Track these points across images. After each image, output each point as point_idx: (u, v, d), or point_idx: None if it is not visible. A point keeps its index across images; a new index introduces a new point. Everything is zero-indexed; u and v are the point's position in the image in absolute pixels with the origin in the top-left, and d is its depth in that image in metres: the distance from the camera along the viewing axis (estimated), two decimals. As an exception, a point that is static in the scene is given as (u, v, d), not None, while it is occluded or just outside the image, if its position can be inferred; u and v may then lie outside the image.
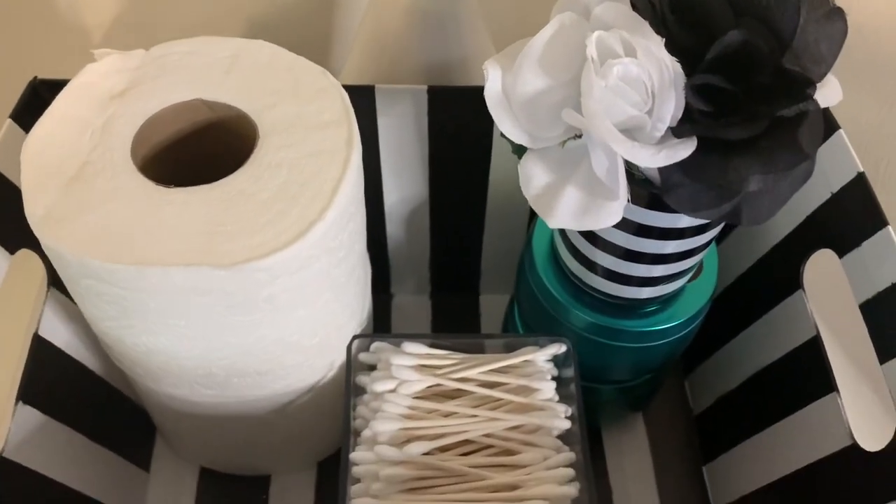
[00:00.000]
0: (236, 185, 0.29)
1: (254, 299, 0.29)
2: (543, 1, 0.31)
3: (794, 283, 0.40)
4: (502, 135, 0.29)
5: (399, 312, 0.52)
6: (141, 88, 0.32)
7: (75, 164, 0.29)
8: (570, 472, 0.34)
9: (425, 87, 0.39)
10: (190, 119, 0.32)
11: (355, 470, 0.34)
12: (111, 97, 0.31)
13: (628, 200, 0.29)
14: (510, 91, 0.28)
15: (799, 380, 0.39)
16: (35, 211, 0.28)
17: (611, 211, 0.28)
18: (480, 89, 0.39)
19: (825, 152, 0.39)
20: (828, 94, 0.28)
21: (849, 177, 0.38)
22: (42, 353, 0.37)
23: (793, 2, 0.25)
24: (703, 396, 0.48)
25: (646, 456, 0.47)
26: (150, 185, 0.29)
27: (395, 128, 0.41)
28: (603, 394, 0.42)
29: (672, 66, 0.26)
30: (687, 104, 0.27)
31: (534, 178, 0.29)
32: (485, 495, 0.33)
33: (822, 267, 0.39)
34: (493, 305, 0.52)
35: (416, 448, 0.34)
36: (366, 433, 0.35)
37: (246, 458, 0.42)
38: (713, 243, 0.39)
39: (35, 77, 0.38)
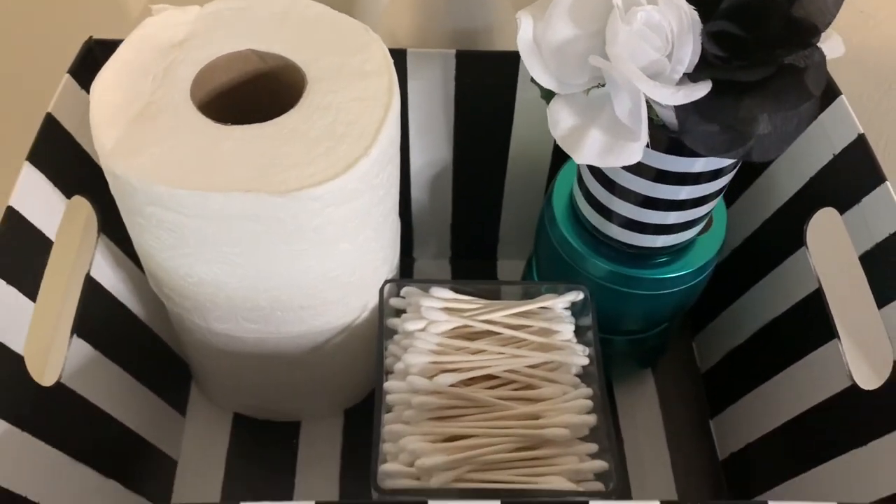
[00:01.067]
0: (288, 124, 0.32)
1: (303, 228, 0.31)
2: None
3: (798, 241, 0.43)
4: (532, 80, 0.32)
5: (420, 275, 0.54)
6: (197, 39, 0.34)
7: (140, 104, 0.32)
8: (589, 403, 0.36)
9: (454, 51, 0.41)
10: (242, 68, 0.35)
11: (388, 398, 0.36)
12: (171, 46, 0.34)
13: (647, 146, 0.32)
14: (541, 39, 0.31)
15: (802, 330, 0.42)
16: (105, 143, 0.31)
17: (632, 150, 0.31)
18: (506, 54, 0.42)
19: (827, 116, 0.42)
20: (832, 46, 0.31)
21: (850, 138, 0.40)
22: (93, 293, 0.40)
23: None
24: (711, 354, 0.50)
25: (655, 410, 0.49)
26: (209, 123, 0.31)
27: (424, 91, 0.43)
28: (615, 345, 0.45)
29: (690, 13, 0.29)
30: (703, 49, 0.29)
31: (561, 120, 0.32)
32: (509, 423, 0.36)
33: (824, 224, 0.42)
34: (510, 270, 0.54)
35: (445, 379, 0.36)
36: (398, 366, 0.37)
37: (278, 403, 0.44)
38: (721, 200, 0.42)
39: (90, 37, 0.41)
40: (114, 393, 0.40)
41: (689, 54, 0.29)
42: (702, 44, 0.29)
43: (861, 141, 0.40)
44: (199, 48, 0.34)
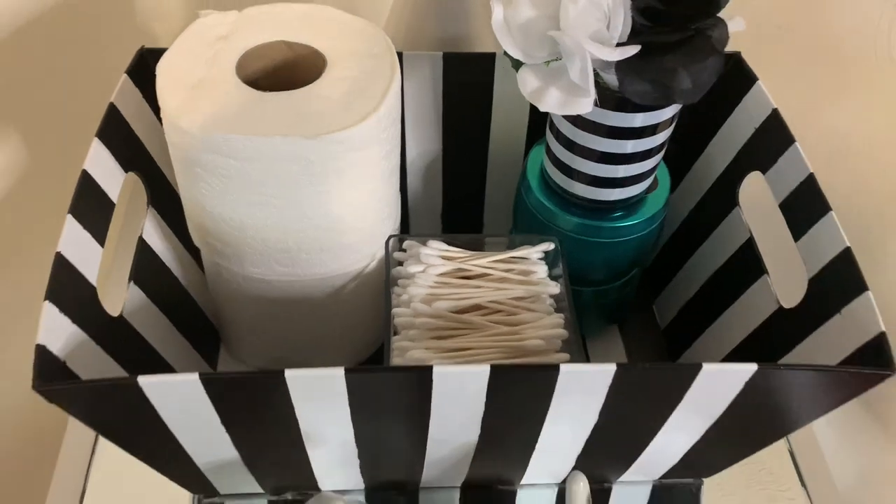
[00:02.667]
0: (315, 91, 0.40)
1: (327, 170, 0.39)
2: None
3: (732, 202, 0.51)
4: (505, 53, 0.41)
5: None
6: (237, 34, 0.43)
7: (195, 79, 0.40)
8: (561, 320, 0.44)
9: (441, 53, 0.51)
10: (274, 55, 0.43)
11: (396, 321, 0.44)
12: (216, 39, 0.43)
13: (597, 104, 0.41)
14: (510, 20, 0.40)
15: (739, 274, 0.50)
16: (170, 104, 0.39)
17: (584, 103, 0.39)
18: (485, 55, 0.51)
19: (748, 99, 0.51)
20: (736, 22, 0.40)
21: (766, 113, 0.49)
22: (143, 252, 0.47)
23: (700, -53, 0.37)
24: (668, 311, 0.58)
25: (622, 360, 0.57)
26: (252, 91, 0.40)
27: (417, 88, 0.52)
28: (585, 297, 0.52)
29: (620, -7, 0.38)
30: (633, 20, 0.38)
31: (528, 83, 0.40)
32: (496, 338, 0.43)
33: (752, 185, 0.51)
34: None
35: (442, 304, 0.44)
36: (403, 298, 0.45)
37: (300, 352, 0.51)
38: (664, 166, 0.51)
39: (142, 46, 0.50)
40: (159, 335, 0.47)
41: (621, 24, 0.38)
42: (632, 16, 0.38)
43: (775, 114, 0.49)
44: (239, 40, 0.43)
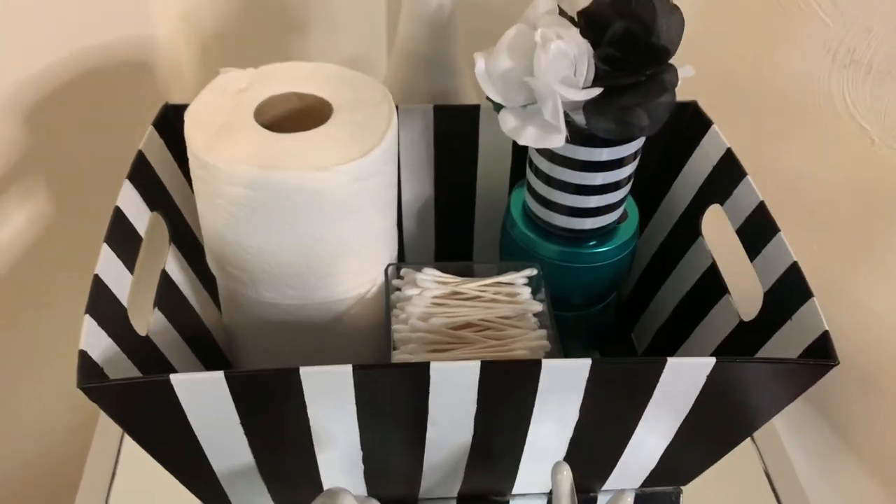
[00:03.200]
0: (322, 132, 0.46)
1: (335, 199, 0.45)
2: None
3: (696, 233, 0.57)
4: (487, 98, 0.47)
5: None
6: (255, 87, 0.49)
7: (218, 123, 0.46)
8: (544, 333, 0.49)
9: (432, 106, 0.57)
10: (286, 105, 0.49)
11: (395, 337, 0.48)
12: (237, 91, 0.49)
13: (568, 140, 0.47)
14: (490, 70, 0.47)
15: (704, 296, 0.55)
16: (197, 143, 0.45)
17: (557, 139, 0.46)
18: (470, 107, 0.57)
19: (705, 141, 0.58)
20: (686, 69, 0.47)
21: (721, 152, 0.56)
22: (166, 282, 0.52)
23: (651, 4, 0.44)
24: (644, 338, 0.63)
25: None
26: (269, 133, 0.46)
27: (411, 137, 0.58)
28: (566, 322, 0.57)
29: (584, 44, 0.45)
30: (596, 67, 0.45)
31: (508, 122, 0.47)
32: (485, 351, 0.48)
33: (712, 216, 0.57)
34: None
35: (437, 320, 0.49)
36: (401, 316, 0.50)
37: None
38: (633, 201, 0.57)
39: (166, 102, 0.56)
40: (178, 356, 0.52)
41: (585, 70, 0.45)
42: (595, 63, 0.45)
43: (729, 153, 0.55)
44: (256, 92, 0.49)
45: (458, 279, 0.52)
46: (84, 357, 0.39)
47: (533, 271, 0.53)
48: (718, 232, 0.56)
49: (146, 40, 0.68)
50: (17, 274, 0.66)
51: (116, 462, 0.57)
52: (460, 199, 0.62)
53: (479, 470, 0.50)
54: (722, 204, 0.55)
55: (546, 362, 0.40)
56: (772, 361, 0.42)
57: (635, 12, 0.45)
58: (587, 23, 0.46)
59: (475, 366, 0.40)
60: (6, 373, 0.69)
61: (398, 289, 0.52)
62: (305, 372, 0.39)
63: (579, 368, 0.41)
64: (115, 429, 0.59)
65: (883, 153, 0.62)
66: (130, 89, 0.68)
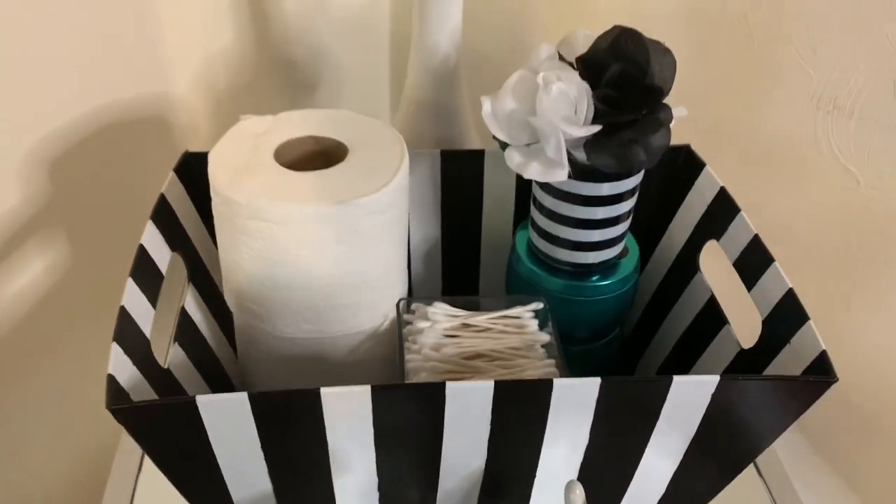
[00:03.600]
0: (339, 171, 0.49)
1: (351, 230, 0.47)
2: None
3: (694, 268, 0.59)
4: (494, 137, 0.50)
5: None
6: (274, 132, 0.52)
7: (240, 163, 0.49)
8: (552, 362, 0.50)
9: (439, 151, 0.60)
10: (303, 148, 0.52)
11: (408, 367, 0.50)
12: (256, 136, 0.52)
13: (570, 176, 0.49)
14: (496, 111, 0.50)
15: (705, 328, 0.57)
16: (221, 181, 0.47)
17: (560, 173, 0.48)
18: (474, 152, 0.60)
19: (699, 182, 0.61)
20: (679, 110, 0.50)
21: (715, 191, 0.58)
22: (185, 319, 0.54)
23: (644, 47, 0.47)
24: (649, 371, 0.65)
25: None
26: (288, 171, 0.48)
27: (419, 181, 0.61)
28: (572, 356, 0.59)
29: (583, 85, 0.48)
30: (595, 106, 0.48)
31: (514, 159, 0.49)
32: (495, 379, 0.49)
33: (709, 252, 0.59)
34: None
35: (449, 350, 0.50)
36: (414, 347, 0.51)
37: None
38: (632, 237, 0.59)
39: (186, 150, 0.59)
40: (195, 389, 0.53)
41: (585, 109, 0.48)
42: (594, 103, 0.48)
43: (723, 191, 0.58)
44: (275, 136, 0.52)
45: (468, 312, 0.54)
46: (112, 381, 0.41)
47: (539, 305, 0.55)
48: (716, 266, 0.59)
49: (164, 97, 0.71)
50: (35, 318, 0.68)
51: (136, 483, 0.58)
52: (466, 240, 0.65)
53: (491, 500, 0.50)
54: (718, 239, 0.57)
55: (557, 381, 0.42)
56: (773, 379, 0.44)
57: (630, 56, 0.48)
58: (585, 67, 0.49)
59: (489, 385, 0.41)
60: (33, 403, 0.70)
61: (409, 323, 0.54)
62: (326, 392, 0.40)
63: (589, 387, 0.42)
64: (133, 456, 0.60)
65: (868, 194, 0.65)
66: (149, 143, 0.71)
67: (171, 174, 0.57)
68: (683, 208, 0.62)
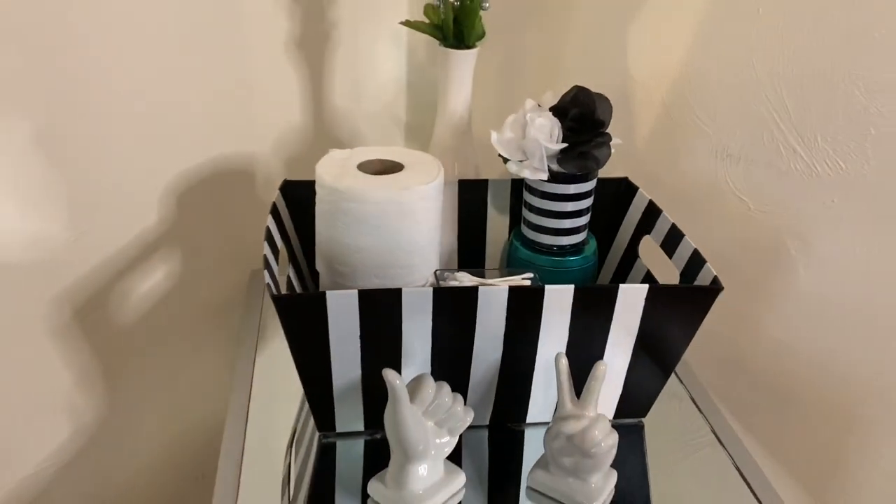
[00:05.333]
0: (400, 176, 0.76)
1: (410, 210, 0.73)
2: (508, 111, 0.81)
3: (635, 255, 0.86)
4: (499, 155, 0.77)
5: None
6: (352, 157, 0.79)
7: (335, 172, 0.75)
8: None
9: (457, 180, 0.87)
10: (373, 167, 0.79)
11: (447, 302, 0.74)
12: (342, 160, 0.79)
13: (549, 179, 0.77)
14: (501, 139, 0.78)
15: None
16: (326, 179, 0.74)
17: (541, 175, 0.76)
18: (481, 181, 0.88)
19: (635, 201, 0.88)
20: (617, 140, 0.78)
21: (644, 204, 0.86)
22: (288, 282, 0.78)
23: (592, 97, 0.76)
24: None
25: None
26: (369, 175, 0.75)
27: (445, 200, 0.88)
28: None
29: (555, 120, 0.76)
30: (563, 133, 0.76)
31: (513, 168, 0.77)
32: (506, 309, 0.74)
33: (644, 244, 0.86)
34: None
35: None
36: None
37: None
38: (591, 234, 0.86)
39: (285, 179, 0.85)
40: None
41: (558, 133, 0.76)
42: (562, 131, 0.76)
43: (651, 203, 0.85)
44: (354, 159, 0.79)
45: (482, 279, 0.79)
46: (270, 285, 0.65)
47: (531, 274, 0.80)
48: (649, 249, 0.85)
49: (253, 155, 0.99)
50: (156, 312, 0.92)
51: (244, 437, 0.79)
52: (475, 243, 0.91)
53: (504, 393, 0.74)
54: (649, 233, 0.84)
55: (548, 287, 0.67)
56: (681, 287, 0.70)
57: (584, 103, 0.77)
58: (556, 111, 0.78)
59: (504, 290, 0.66)
60: (151, 380, 0.92)
61: (443, 282, 0.79)
62: (406, 291, 0.65)
63: (567, 292, 0.67)
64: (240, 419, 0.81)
65: (756, 216, 0.93)
66: (241, 186, 0.97)
67: (277, 192, 0.83)
68: (627, 217, 0.89)
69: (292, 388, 0.74)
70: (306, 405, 0.79)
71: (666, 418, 0.81)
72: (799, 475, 1.01)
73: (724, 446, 0.78)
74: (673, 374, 0.84)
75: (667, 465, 0.76)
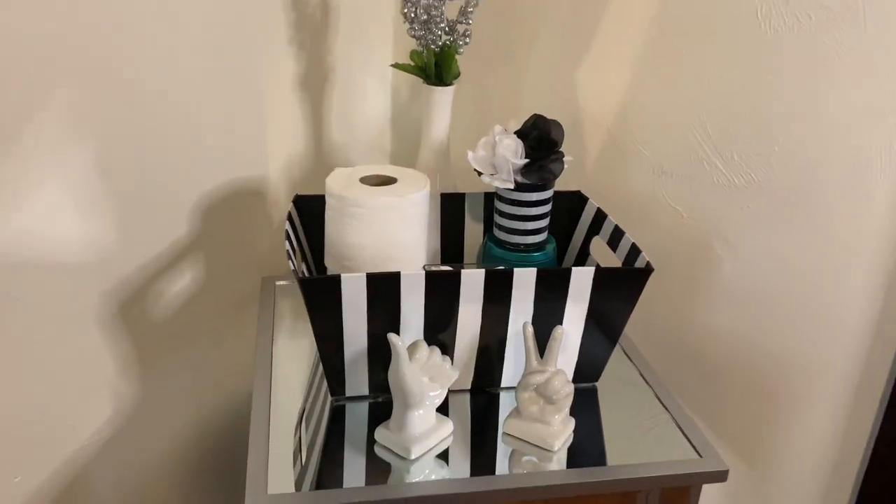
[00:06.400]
0: (395, 186, 0.93)
1: (403, 214, 0.91)
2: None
3: (587, 254, 1.04)
4: (475, 170, 0.96)
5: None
6: (355, 172, 0.97)
7: (343, 182, 0.93)
8: (512, 284, 0.93)
9: (440, 193, 1.05)
10: (373, 180, 0.96)
11: (435, 288, 0.92)
12: (346, 174, 0.96)
13: (514, 188, 0.95)
14: (476, 157, 0.96)
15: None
16: (335, 188, 0.91)
17: (508, 185, 0.94)
18: (459, 194, 1.07)
19: (586, 209, 1.07)
20: (568, 158, 0.97)
21: (594, 210, 1.05)
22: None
23: (548, 123, 0.95)
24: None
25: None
26: (369, 186, 0.93)
27: (431, 214, 1.05)
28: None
29: (519, 141, 0.95)
30: (526, 150, 0.94)
31: (486, 179, 0.95)
32: (482, 293, 0.91)
33: (594, 244, 1.04)
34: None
35: (456, 280, 0.92)
36: (436, 281, 0.93)
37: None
38: (551, 236, 1.04)
39: (296, 194, 1.02)
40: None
41: (521, 151, 0.94)
42: (525, 149, 0.95)
43: (598, 209, 1.04)
44: (357, 174, 0.96)
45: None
46: (294, 273, 0.82)
47: (502, 268, 0.98)
48: (598, 247, 1.04)
49: (263, 178, 1.16)
50: (185, 311, 1.07)
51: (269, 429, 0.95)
52: (455, 245, 1.08)
53: (483, 360, 0.90)
54: (597, 234, 1.03)
55: (517, 271, 0.84)
56: (622, 269, 0.88)
57: (542, 127, 0.96)
58: (519, 134, 0.96)
59: (482, 272, 0.84)
60: (182, 370, 1.08)
61: (430, 278, 0.96)
62: (404, 274, 0.82)
63: (531, 274, 0.85)
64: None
65: (688, 223, 1.13)
66: (254, 205, 1.14)
67: (291, 205, 1.00)
68: (580, 222, 1.08)
69: (305, 368, 0.91)
70: (319, 379, 0.95)
71: (617, 386, 0.98)
72: (729, 440, 1.19)
73: (665, 406, 0.95)
74: (624, 356, 1.03)
75: (616, 419, 0.93)
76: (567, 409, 0.85)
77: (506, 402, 0.93)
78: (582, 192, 1.08)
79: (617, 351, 1.02)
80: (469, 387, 0.94)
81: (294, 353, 1.01)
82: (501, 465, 0.84)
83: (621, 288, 0.89)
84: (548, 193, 0.99)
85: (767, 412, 1.15)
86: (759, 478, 1.20)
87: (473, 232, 1.09)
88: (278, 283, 1.14)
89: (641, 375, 1.01)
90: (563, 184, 1.02)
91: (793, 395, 1.13)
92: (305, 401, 0.92)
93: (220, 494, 1.20)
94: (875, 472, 1.13)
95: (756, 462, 1.19)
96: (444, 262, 1.10)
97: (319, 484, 0.80)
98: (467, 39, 1.01)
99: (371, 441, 0.85)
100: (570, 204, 1.08)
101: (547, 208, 1.00)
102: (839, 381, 1.11)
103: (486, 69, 1.22)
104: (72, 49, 0.90)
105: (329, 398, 0.91)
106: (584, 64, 1.17)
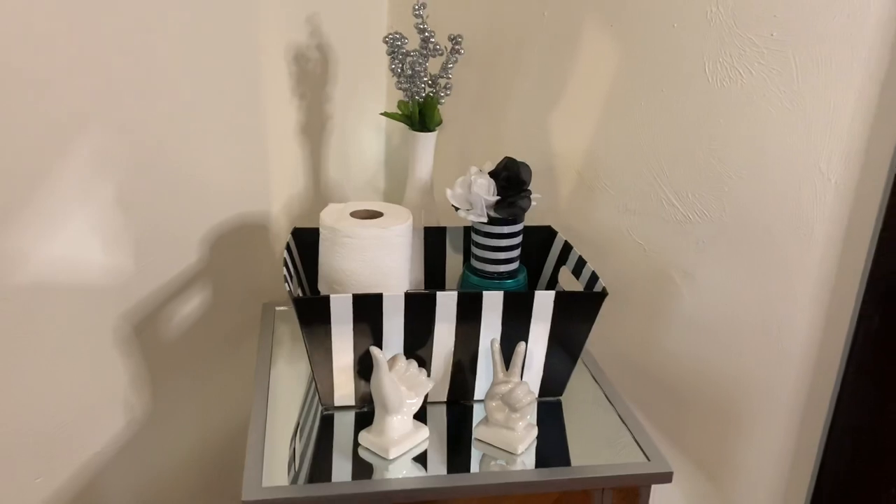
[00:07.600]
0: (381, 220, 1.05)
1: (388, 245, 1.03)
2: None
3: (556, 281, 1.16)
4: (452, 205, 1.08)
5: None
6: (346, 208, 1.09)
7: (335, 217, 1.05)
8: (484, 307, 1.04)
9: (423, 227, 1.17)
10: (362, 214, 1.09)
11: (415, 310, 1.03)
12: (339, 209, 1.09)
13: (487, 221, 1.07)
14: (454, 194, 1.08)
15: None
16: (328, 221, 1.03)
17: (482, 219, 1.06)
18: (440, 228, 1.19)
19: (555, 243, 1.18)
20: (536, 196, 1.09)
21: (562, 243, 1.16)
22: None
23: (517, 165, 1.07)
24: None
25: (520, 366, 1.14)
26: (359, 220, 1.05)
27: (413, 242, 1.17)
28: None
29: (491, 180, 1.07)
30: (498, 188, 1.07)
31: (462, 213, 1.07)
32: (458, 314, 1.03)
33: (562, 273, 1.15)
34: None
35: (434, 303, 1.04)
36: (417, 304, 1.04)
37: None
38: (523, 265, 1.15)
39: (294, 226, 1.14)
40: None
41: (493, 189, 1.06)
42: (497, 187, 1.07)
43: (566, 243, 1.16)
44: (347, 210, 1.09)
45: (441, 296, 1.08)
46: (290, 294, 0.94)
47: (474, 291, 1.09)
48: (564, 275, 1.15)
49: (266, 213, 1.28)
50: (194, 331, 1.19)
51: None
52: (438, 274, 1.20)
53: (457, 374, 1.01)
54: (564, 264, 1.14)
55: (486, 293, 0.96)
56: (581, 292, 1.00)
57: (512, 168, 1.08)
58: (492, 174, 1.09)
59: (454, 294, 0.95)
60: (191, 384, 1.19)
61: (412, 302, 1.08)
62: (386, 296, 0.94)
63: (498, 297, 0.96)
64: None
65: (650, 256, 1.24)
66: (257, 236, 1.26)
67: (290, 237, 1.12)
68: (550, 254, 1.19)
69: (300, 384, 1.02)
70: (311, 393, 1.06)
71: (582, 403, 1.08)
72: (691, 455, 1.29)
73: (621, 419, 1.05)
74: (591, 379, 1.13)
75: (578, 429, 1.04)
76: (529, 417, 0.96)
77: (479, 413, 1.03)
78: (552, 226, 1.20)
79: (584, 373, 1.13)
80: (445, 399, 1.04)
81: (290, 371, 1.12)
82: (473, 467, 0.95)
83: (580, 310, 1.00)
84: (518, 227, 1.10)
85: (725, 429, 1.25)
86: (716, 490, 1.29)
87: (454, 262, 1.21)
88: (278, 308, 1.26)
89: (605, 394, 1.12)
90: (537, 219, 1.13)
91: (748, 413, 1.23)
92: (299, 411, 1.03)
93: (223, 499, 1.30)
94: (825, 485, 1.22)
95: (716, 476, 1.29)
96: (427, 290, 1.21)
97: (310, 479, 0.90)
98: (448, 91, 1.15)
99: (357, 444, 0.95)
100: (542, 237, 1.20)
101: (517, 240, 1.12)
102: (788, 401, 1.21)
103: (468, 117, 1.35)
104: (103, 102, 1.03)
105: (320, 408, 1.02)
106: (555, 113, 1.30)
